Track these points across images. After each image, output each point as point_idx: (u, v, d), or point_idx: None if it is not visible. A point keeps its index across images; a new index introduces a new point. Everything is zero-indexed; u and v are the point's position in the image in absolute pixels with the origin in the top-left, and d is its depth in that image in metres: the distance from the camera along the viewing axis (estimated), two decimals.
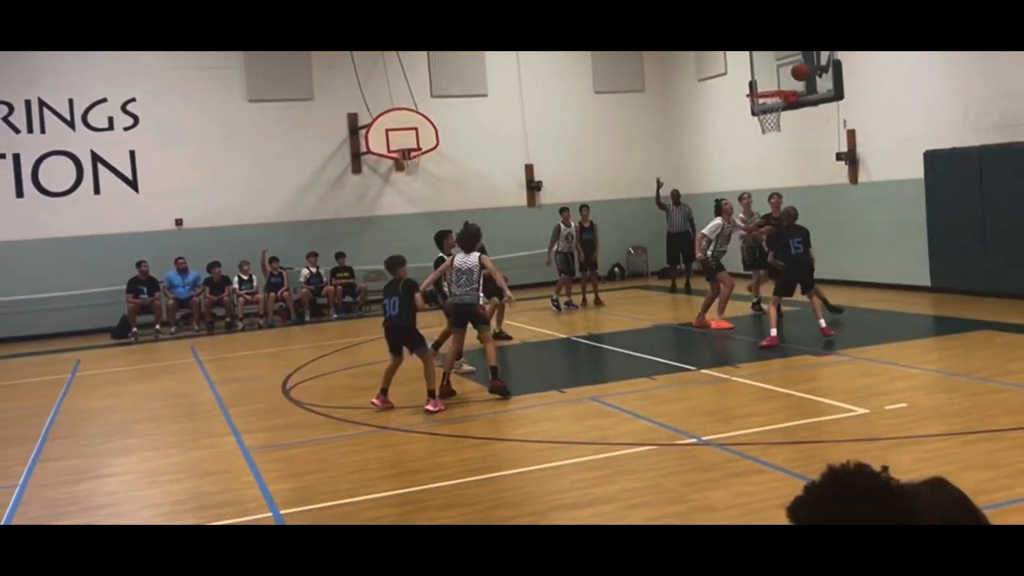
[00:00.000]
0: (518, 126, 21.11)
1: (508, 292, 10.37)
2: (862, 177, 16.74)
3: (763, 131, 14.39)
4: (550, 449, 7.79)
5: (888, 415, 8.04)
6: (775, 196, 13.61)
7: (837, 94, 13.03)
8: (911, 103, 15.57)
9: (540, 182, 21.19)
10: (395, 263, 9.75)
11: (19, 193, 18.02)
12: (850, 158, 16.84)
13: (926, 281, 15.39)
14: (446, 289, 10.48)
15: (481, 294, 10.07)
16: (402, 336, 9.45)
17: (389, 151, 19.07)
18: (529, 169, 21.24)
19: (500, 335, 13.23)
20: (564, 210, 17.13)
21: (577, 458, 7.45)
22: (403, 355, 9.55)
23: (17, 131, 17.99)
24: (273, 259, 18.29)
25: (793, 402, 8.84)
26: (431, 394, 9.25)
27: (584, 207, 17.50)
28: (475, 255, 10.02)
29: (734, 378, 10.01)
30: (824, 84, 13.08)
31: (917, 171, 15.36)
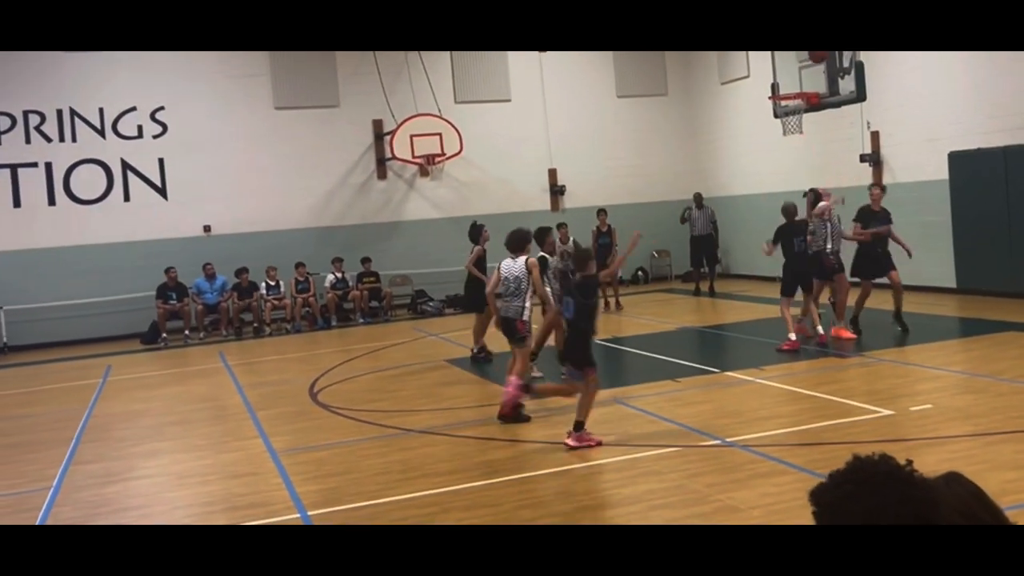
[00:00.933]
0: (541, 131, 21.19)
1: (551, 303, 9.85)
2: (887, 178, 16.66)
3: (784, 133, 14.38)
4: (574, 451, 7.85)
5: (913, 416, 8.04)
6: (876, 187, 12.57)
7: (860, 96, 13.00)
8: (935, 104, 15.51)
9: (563, 186, 21.25)
10: (577, 259, 8.35)
11: (51, 201, 18.31)
12: (874, 159, 16.78)
13: (952, 283, 15.31)
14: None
15: (526, 305, 9.24)
16: (569, 343, 8.11)
17: (414, 157, 19.22)
18: (552, 173, 21.31)
19: (481, 352, 12.40)
20: (561, 226, 17.00)
21: (602, 460, 7.51)
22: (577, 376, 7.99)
23: (49, 140, 18.29)
24: (300, 264, 18.48)
25: (818, 404, 8.85)
26: (576, 425, 7.79)
27: (601, 212, 17.52)
28: (523, 260, 9.28)
29: (758, 380, 10.02)
30: (847, 86, 13.05)
31: (942, 172, 15.29)
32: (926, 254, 15.80)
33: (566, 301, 8.04)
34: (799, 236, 11.69)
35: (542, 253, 10.73)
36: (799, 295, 12.01)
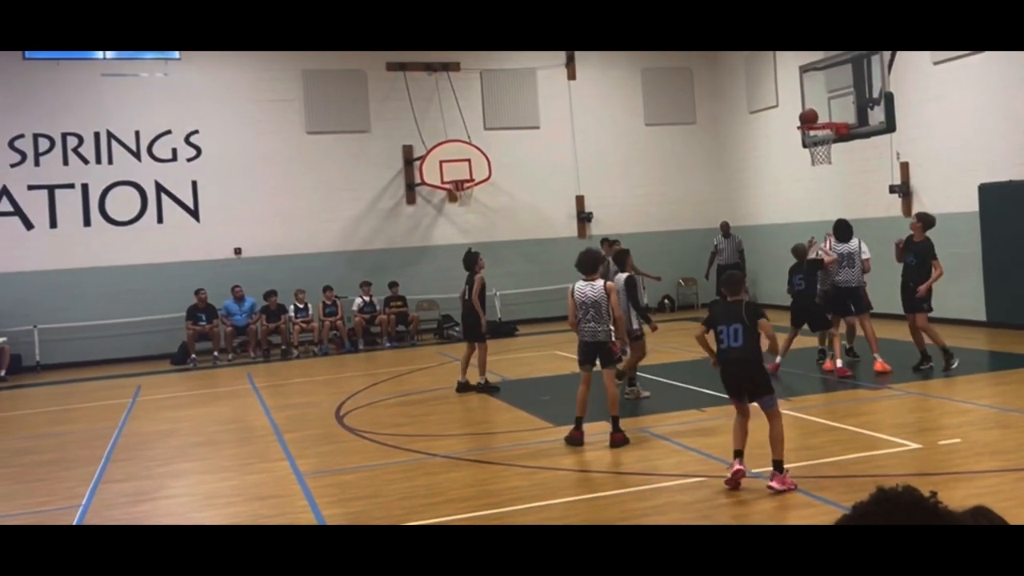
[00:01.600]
0: (569, 158, 21.29)
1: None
2: (915, 209, 16.59)
3: (813, 163, 14.37)
4: (598, 479, 7.85)
5: (941, 450, 7.98)
6: (915, 219, 12.16)
7: (889, 126, 12.99)
8: (966, 135, 15.44)
9: (591, 213, 21.30)
10: (733, 282, 7.57)
11: (87, 222, 18.61)
12: (903, 190, 16.72)
13: (982, 315, 15.17)
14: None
15: (611, 327, 8.92)
16: (747, 374, 7.32)
17: (443, 182, 19.36)
18: (580, 200, 21.38)
19: (486, 387, 12.23)
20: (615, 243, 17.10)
21: (627, 488, 7.50)
22: (747, 404, 7.38)
23: (86, 162, 18.61)
24: (327, 288, 18.62)
25: (845, 436, 8.79)
26: (777, 465, 7.10)
27: (605, 241, 17.33)
28: (600, 283, 8.88)
29: (785, 411, 9.95)
30: (877, 116, 13.05)
31: (972, 204, 15.20)
32: (954, 286, 15.69)
33: (732, 330, 7.24)
34: (798, 275, 12.25)
35: (628, 273, 10.97)
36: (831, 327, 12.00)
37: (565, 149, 21.25)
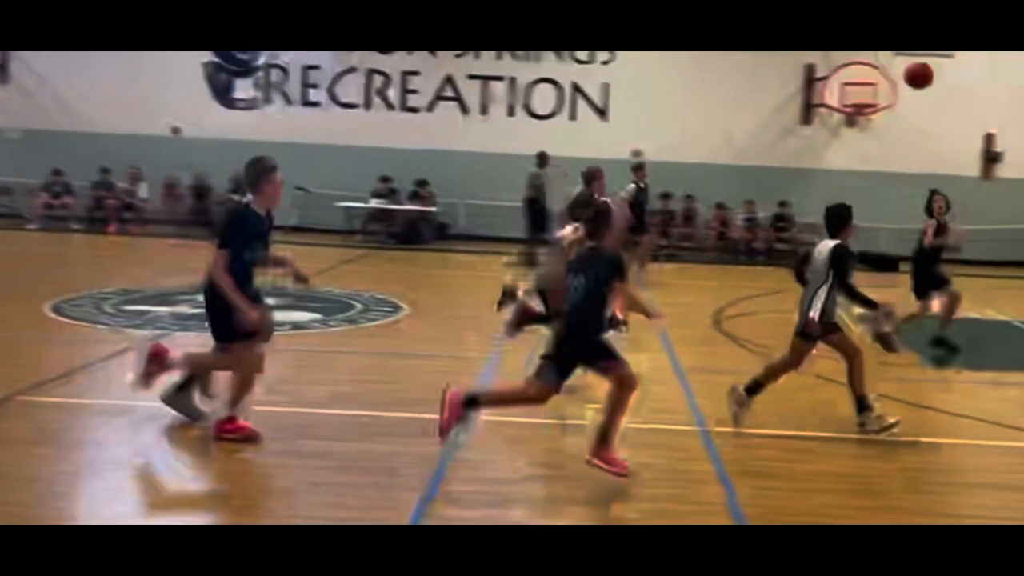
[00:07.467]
0: (984, 90, 19.52)
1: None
2: None
3: None
4: (979, 427, 7.71)
5: None
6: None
7: None
8: None
9: (1001, 153, 19.82)
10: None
11: (510, 112, 21.00)
12: None
13: None
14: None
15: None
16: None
17: (843, 106, 19.28)
18: (990, 138, 19.98)
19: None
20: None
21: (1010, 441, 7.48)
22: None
23: (516, 58, 20.82)
24: (718, 204, 19.65)
25: None
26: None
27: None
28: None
29: None
30: None
31: None
32: None
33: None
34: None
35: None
36: None
37: (979, 81, 19.38)
